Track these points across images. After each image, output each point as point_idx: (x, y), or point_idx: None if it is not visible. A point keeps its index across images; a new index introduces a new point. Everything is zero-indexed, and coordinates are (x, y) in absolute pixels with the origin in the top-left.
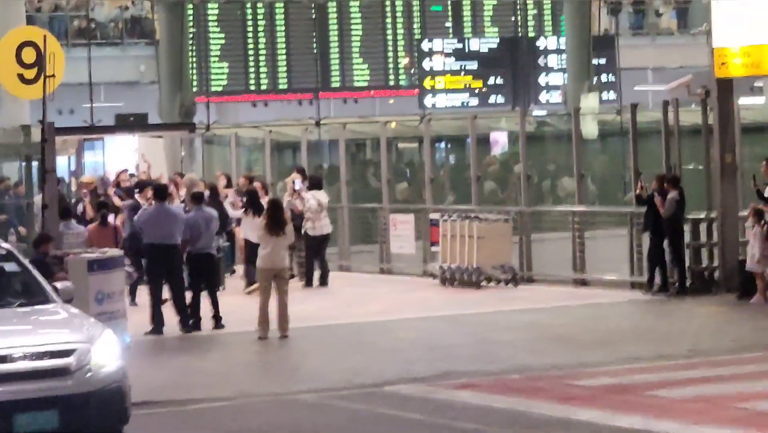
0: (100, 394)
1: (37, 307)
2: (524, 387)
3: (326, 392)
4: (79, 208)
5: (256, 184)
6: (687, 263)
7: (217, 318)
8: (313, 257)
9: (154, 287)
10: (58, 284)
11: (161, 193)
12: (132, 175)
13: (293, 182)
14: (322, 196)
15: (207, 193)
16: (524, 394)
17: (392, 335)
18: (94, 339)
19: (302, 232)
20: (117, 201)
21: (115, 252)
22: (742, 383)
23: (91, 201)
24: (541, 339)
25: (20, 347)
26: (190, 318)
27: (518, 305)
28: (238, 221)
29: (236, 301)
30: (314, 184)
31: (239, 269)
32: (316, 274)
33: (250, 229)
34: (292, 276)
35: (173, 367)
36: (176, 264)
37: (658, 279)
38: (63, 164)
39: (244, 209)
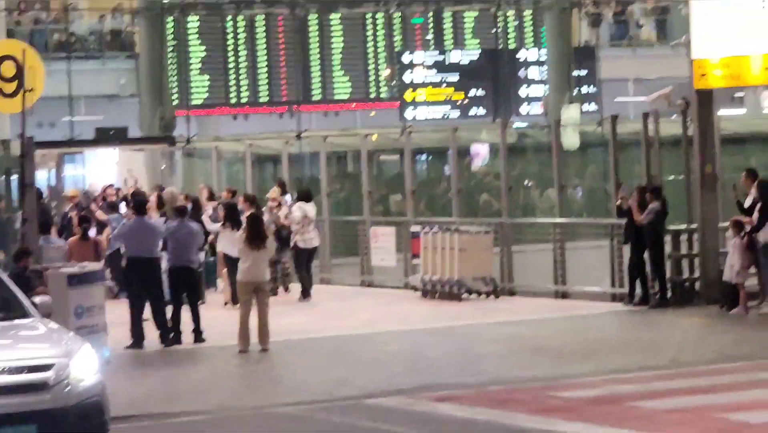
0: (79, 408)
1: (15, 321)
2: (506, 399)
3: (308, 405)
4: (63, 220)
5: (239, 198)
6: (668, 275)
7: (197, 332)
8: (303, 268)
9: (134, 300)
10: (37, 299)
11: (140, 206)
12: (118, 190)
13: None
14: (310, 208)
15: (189, 206)
16: (506, 406)
17: (374, 348)
18: (72, 353)
19: (291, 244)
20: (100, 215)
21: (95, 266)
22: (724, 394)
23: (77, 214)
24: (522, 351)
25: None
26: (170, 332)
27: (499, 317)
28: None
29: (217, 314)
30: (303, 196)
31: (221, 282)
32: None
33: (228, 243)
34: (275, 292)
35: (153, 381)
36: (156, 277)
37: (639, 290)
38: (43, 178)
39: (222, 223)
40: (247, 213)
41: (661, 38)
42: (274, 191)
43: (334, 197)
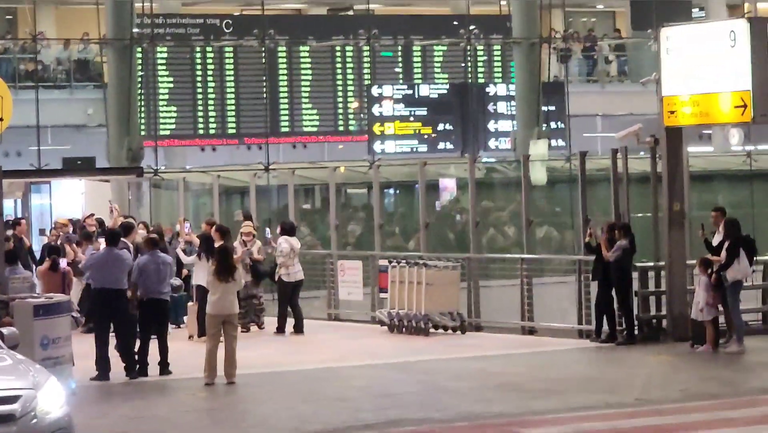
0: None
1: None
2: None
3: None
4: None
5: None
6: (635, 312)
7: (164, 364)
8: (286, 303)
9: (100, 331)
10: (4, 330)
11: (113, 238)
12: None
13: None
14: (294, 241)
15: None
16: None
17: (341, 383)
18: (39, 385)
19: (276, 278)
20: (68, 247)
21: (61, 297)
22: None
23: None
24: (488, 387)
25: None
26: (136, 364)
27: (466, 352)
28: None
29: (182, 346)
30: (287, 230)
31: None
32: (289, 321)
33: (203, 274)
34: (247, 328)
35: (120, 413)
36: (122, 309)
37: (606, 327)
38: (9, 207)
39: (197, 255)
40: (218, 244)
41: (629, 75)
42: (247, 225)
43: (300, 232)
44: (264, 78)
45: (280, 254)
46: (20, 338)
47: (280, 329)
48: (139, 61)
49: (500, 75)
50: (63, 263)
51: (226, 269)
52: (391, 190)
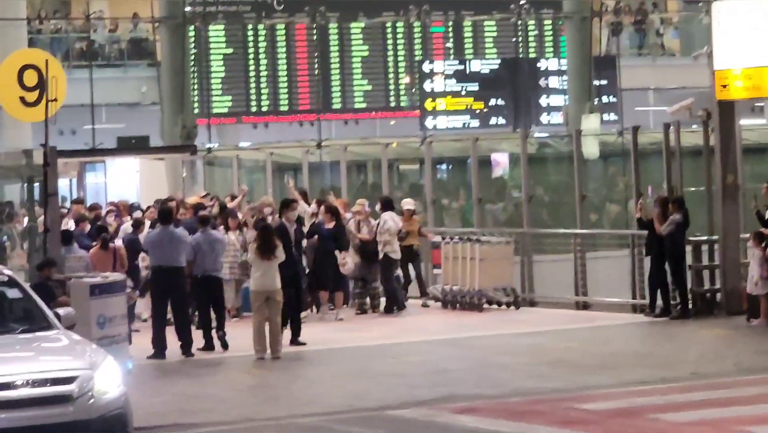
0: (103, 421)
1: (38, 333)
2: (526, 411)
3: (328, 416)
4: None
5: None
6: (689, 286)
7: (222, 340)
8: (392, 281)
9: (157, 310)
10: (61, 310)
11: (166, 216)
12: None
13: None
14: (396, 217)
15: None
16: (526, 418)
17: (394, 359)
18: (96, 366)
19: (380, 256)
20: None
21: (117, 276)
22: (744, 407)
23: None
24: (542, 363)
25: (22, 373)
26: (191, 342)
27: (520, 328)
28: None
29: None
30: (389, 206)
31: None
32: (383, 299)
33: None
34: (363, 309)
35: (175, 392)
36: (180, 287)
37: (660, 302)
38: (65, 186)
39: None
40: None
41: (682, 48)
42: (360, 203)
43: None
44: (315, 55)
45: (386, 232)
46: (77, 318)
47: (393, 308)
48: (192, 40)
49: (551, 50)
50: (119, 241)
51: (268, 246)
52: (443, 166)
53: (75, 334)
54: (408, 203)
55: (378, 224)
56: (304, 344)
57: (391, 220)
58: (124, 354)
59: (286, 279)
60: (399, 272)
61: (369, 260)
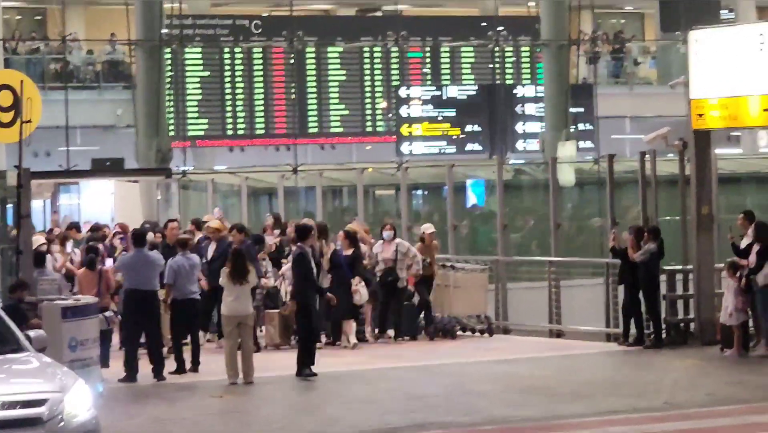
0: None
1: (9, 355)
2: None
3: None
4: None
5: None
6: (663, 315)
7: (195, 363)
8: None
9: (129, 333)
10: (32, 333)
11: (140, 239)
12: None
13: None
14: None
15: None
16: None
17: (368, 385)
18: (66, 388)
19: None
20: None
21: (89, 299)
22: None
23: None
24: (516, 390)
25: None
26: (164, 366)
27: (494, 355)
28: None
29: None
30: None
31: None
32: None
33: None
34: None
35: (147, 415)
36: (153, 310)
37: (633, 331)
38: (38, 207)
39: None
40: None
41: (659, 77)
42: (360, 224)
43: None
44: (292, 79)
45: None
46: (48, 341)
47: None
48: (168, 62)
49: (528, 77)
50: (109, 262)
51: (240, 270)
52: (419, 192)
53: (46, 356)
54: (429, 228)
55: (396, 249)
56: (315, 374)
57: (402, 246)
58: (95, 377)
59: (301, 308)
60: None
61: (390, 285)
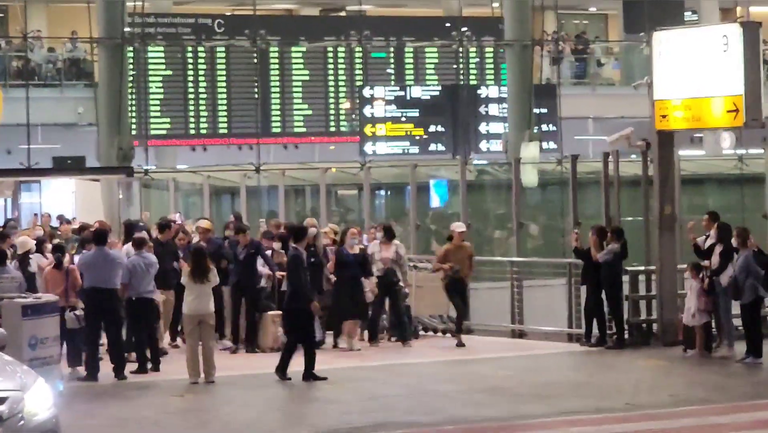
0: None
1: None
2: None
3: None
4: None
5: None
6: (625, 316)
7: (155, 362)
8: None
9: (90, 331)
10: None
11: (101, 237)
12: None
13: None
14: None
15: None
16: None
17: (328, 385)
18: (27, 387)
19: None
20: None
21: (50, 297)
22: None
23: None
24: (477, 391)
25: None
26: (124, 365)
27: (455, 355)
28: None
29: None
30: (392, 234)
31: None
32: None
33: None
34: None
35: (108, 414)
36: (113, 309)
37: (595, 331)
38: None
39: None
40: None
41: (622, 78)
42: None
43: None
44: (255, 78)
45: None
46: (8, 339)
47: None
48: (130, 61)
49: (492, 77)
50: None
51: (201, 269)
52: (382, 192)
53: (5, 355)
54: (460, 226)
55: (396, 250)
56: (324, 378)
57: (402, 249)
58: (55, 375)
59: (299, 312)
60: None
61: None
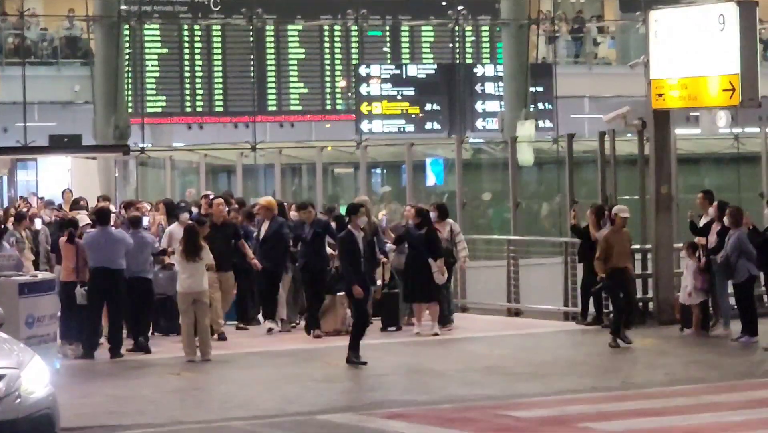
0: (29, 421)
1: None
2: (457, 418)
3: (258, 420)
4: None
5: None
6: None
7: (144, 344)
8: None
9: (91, 310)
10: None
11: (104, 216)
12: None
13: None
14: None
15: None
16: (457, 425)
17: (325, 364)
18: (23, 365)
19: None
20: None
21: (47, 275)
22: (675, 417)
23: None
24: (474, 369)
25: None
26: (121, 344)
27: (452, 334)
28: None
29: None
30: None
31: None
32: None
33: None
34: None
35: (104, 393)
36: (118, 288)
37: (592, 310)
38: None
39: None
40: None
41: (618, 56)
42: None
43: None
44: (251, 57)
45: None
46: (5, 317)
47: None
48: (127, 39)
49: (488, 56)
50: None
51: (193, 247)
52: (378, 170)
53: (2, 333)
54: (623, 210)
55: (451, 229)
56: (364, 363)
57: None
58: (52, 354)
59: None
60: None
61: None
